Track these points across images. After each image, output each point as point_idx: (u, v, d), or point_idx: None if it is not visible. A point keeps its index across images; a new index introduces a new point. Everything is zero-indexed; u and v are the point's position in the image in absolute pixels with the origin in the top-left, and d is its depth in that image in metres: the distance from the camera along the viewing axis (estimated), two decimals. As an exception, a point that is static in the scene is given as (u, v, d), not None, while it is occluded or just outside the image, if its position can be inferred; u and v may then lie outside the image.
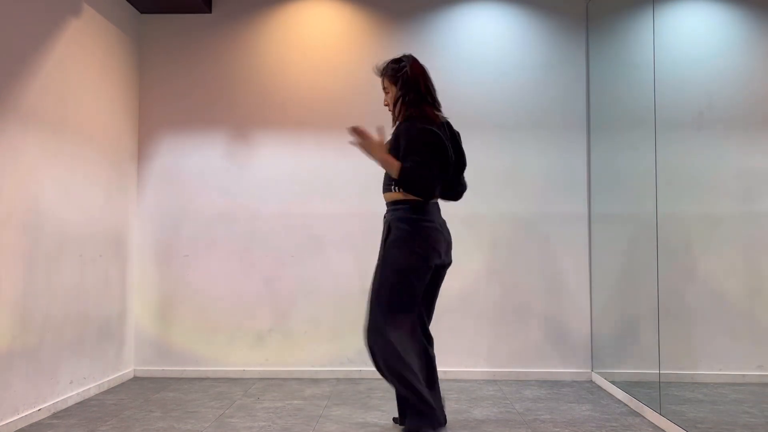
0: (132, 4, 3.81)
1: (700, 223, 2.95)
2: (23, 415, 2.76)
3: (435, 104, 2.64)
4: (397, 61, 2.65)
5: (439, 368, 3.74)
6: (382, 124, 2.60)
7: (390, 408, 3.05)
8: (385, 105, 2.68)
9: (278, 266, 3.87)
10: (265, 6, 3.96)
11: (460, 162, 2.68)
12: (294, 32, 3.96)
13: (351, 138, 2.53)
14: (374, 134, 2.51)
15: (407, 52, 3.90)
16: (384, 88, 2.68)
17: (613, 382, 3.42)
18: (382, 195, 2.68)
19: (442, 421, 2.58)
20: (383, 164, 2.52)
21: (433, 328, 3.78)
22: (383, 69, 2.66)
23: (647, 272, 2.92)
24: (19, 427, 2.72)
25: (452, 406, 3.12)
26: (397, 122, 2.63)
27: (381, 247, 2.63)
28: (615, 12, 3.61)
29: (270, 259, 3.85)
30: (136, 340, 3.84)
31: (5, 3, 2.69)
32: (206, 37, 3.95)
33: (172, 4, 3.82)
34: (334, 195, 3.88)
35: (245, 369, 3.81)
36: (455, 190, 2.71)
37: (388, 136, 2.61)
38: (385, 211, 2.67)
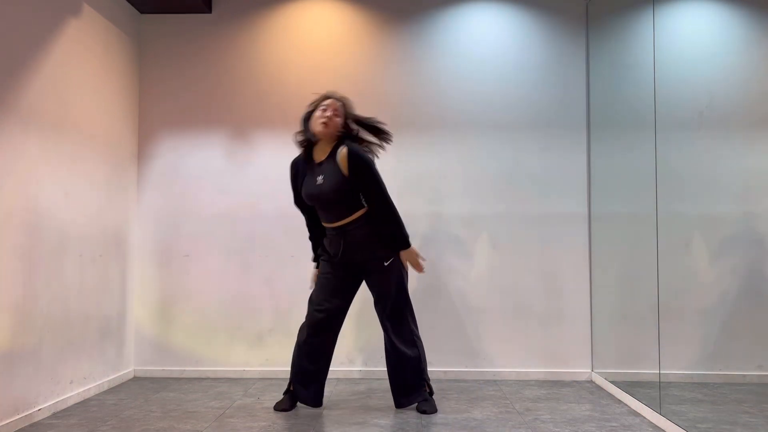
0: (132, 4, 3.81)
1: (700, 223, 2.95)
2: (23, 415, 2.76)
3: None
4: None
5: (439, 368, 3.77)
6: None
7: (390, 407, 3.05)
8: (326, 114, 2.95)
9: (278, 266, 3.86)
10: (265, 6, 3.96)
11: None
12: (294, 32, 3.96)
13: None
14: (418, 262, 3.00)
15: (407, 51, 3.95)
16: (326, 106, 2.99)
17: (613, 382, 3.42)
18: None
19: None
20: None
21: (433, 328, 3.80)
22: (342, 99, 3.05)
23: (647, 272, 2.92)
24: (19, 427, 2.72)
25: (452, 405, 3.12)
26: (337, 139, 3.01)
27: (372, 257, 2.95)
28: (615, 12, 3.61)
29: (270, 259, 3.85)
30: (136, 340, 3.84)
31: (5, 3, 2.69)
32: (206, 37, 3.95)
33: (172, 4, 3.82)
34: (334, 195, 3.87)
35: (245, 369, 3.81)
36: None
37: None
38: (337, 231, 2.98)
